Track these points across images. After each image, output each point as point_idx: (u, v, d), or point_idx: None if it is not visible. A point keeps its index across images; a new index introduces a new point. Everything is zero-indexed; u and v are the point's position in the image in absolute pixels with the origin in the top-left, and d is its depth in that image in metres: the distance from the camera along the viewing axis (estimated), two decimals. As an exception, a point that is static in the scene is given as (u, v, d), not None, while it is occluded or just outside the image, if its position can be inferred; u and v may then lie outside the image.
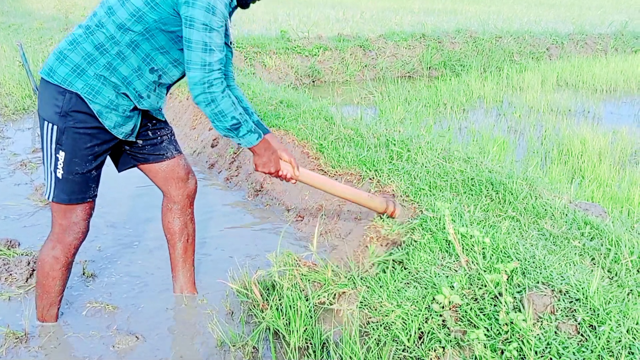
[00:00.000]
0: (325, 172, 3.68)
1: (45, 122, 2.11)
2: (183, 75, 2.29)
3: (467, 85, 7.54)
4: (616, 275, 2.27)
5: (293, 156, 2.47)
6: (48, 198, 2.21)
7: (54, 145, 2.12)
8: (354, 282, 2.54)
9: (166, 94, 2.36)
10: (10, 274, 2.86)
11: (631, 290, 2.14)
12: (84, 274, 2.92)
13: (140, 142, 2.37)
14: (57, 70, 2.09)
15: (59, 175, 2.15)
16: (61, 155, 2.13)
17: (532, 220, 2.77)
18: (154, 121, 2.40)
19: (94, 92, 2.09)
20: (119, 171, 2.48)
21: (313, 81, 8.69)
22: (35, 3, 17.71)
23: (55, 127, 2.10)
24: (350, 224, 3.31)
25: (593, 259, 2.40)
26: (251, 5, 2.24)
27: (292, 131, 4.15)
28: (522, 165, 4.49)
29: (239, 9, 2.26)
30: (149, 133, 2.39)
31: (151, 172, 2.47)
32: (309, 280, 2.59)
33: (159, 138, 2.42)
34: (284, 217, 3.70)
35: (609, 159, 4.60)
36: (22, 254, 3.01)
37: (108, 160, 2.38)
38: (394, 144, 3.69)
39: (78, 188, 2.19)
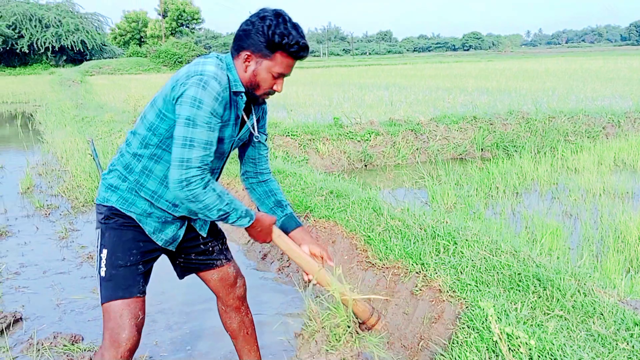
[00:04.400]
0: (374, 265, 3.75)
1: (96, 231, 2.29)
2: (219, 174, 2.40)
3: (520, 168, 7.51)
4: (668, 382, 2.20)
5: (324, 249, 2.51)
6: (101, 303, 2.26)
7: (98, 248, 2.27)
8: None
9: None
10: (73, 369, 3.02)
11: (684, 400, 2.06)
12: (140, 369, 3.04)
13: (192, 255, 2.53)
14: (100, 192, 2.30)
15: (103, 273, 2.22)
16: (104, 253, 2.24)
17: (580, 319, 2.72)
18: (206, 235, 2.54)
19: (127, 202, 2.24)
20: (180, 279, 2.64)
21: (365, 165, 8.87)
22: (106, 95, 19.11)
23: (99, 231, 2.27)
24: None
25: (644, 363, 2.33)
26: (269, 96, 2.24)
27: (341, 223, 4.27)
28: (576, 254, 4.41)
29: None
30: (201, 246, 2.53)
31: (203, 278, 2.65)
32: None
33: (210, 249, 2.57)
34: (333, 309, 3.75)
35: (669, 246, 4.44)
36: (85, 350, 3.18)
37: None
38: (441, 237, 3.74)
39: (123, 282, 2.21)
